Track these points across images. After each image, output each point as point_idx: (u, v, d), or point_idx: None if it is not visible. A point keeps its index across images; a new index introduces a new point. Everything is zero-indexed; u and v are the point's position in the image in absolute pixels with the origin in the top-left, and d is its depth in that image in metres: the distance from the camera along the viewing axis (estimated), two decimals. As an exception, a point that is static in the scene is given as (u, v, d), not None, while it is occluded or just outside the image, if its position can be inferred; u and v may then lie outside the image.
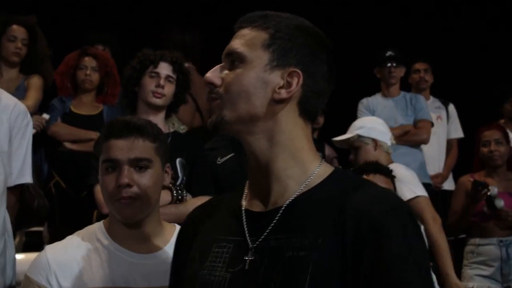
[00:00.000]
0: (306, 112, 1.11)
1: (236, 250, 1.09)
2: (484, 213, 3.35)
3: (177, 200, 2.32)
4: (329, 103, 1.21)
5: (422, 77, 4.47)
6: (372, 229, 0.99)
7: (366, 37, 5.38)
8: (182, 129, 3.39)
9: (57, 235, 2.45)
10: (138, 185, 1.53)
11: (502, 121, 4.35)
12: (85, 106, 3.55)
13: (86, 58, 3.53)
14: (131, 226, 1.56)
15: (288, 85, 1.08)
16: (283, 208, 1.07)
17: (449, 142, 4.48)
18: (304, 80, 1.09)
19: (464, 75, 5.16)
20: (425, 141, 3.91)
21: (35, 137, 2.68)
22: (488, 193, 3.28)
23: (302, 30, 1.11)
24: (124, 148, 1.53)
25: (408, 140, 3.80)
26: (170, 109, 2.60)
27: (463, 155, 4.23)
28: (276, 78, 1.09)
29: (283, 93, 1.08)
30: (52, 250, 1.56)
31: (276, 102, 1.09)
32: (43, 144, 3.47)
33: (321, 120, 4.39)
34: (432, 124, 4.02)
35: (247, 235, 1.09)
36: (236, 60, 1.10)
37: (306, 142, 1.12)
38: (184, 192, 2.35)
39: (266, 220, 1.08)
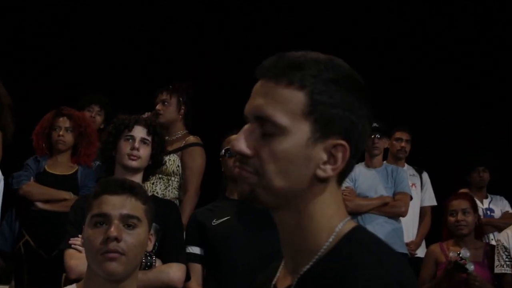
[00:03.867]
0: (344, 176, 1.04)
1: None
2: (453, 281, 3.52)
3: (146, 267, 2.37)
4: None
5: (403, 147, 4.65)
6: None
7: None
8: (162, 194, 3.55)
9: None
10: (125, 242, 1.59)
11: (466, 190, 4.58)
12: (60, 166, 3.63)
13: (61, 119, 3.62)
14: None
15: (333, 159, 1.00)
16: (295, 282, 1.03)
17: (423, 210, 4.66)
18: (350, 152, 1.00)
19: (438, 144, 5.40)
20: (403, 214, 4.07)
21: (5, 196, 2.79)
22: (460, 255, 3.46)
23: (340, 84, 1.00)
24: (116, 204, 1.62)
25: (386, 211, 3.95)
26: (148, 172, 2.70)
27: (437, 223, 4.41)
28: (320, 152, 0.99)
29: (329, 171, 1.00)
30: None
31: (318, 179, 1.00)
32: (15, 203, 3.53)
33: None
34: (411, 198, 4.18)
35: None
36: (272, 129, 0.98)
37: (336, 207, 1.05)
38: (154, 258, 2.41)
39: None
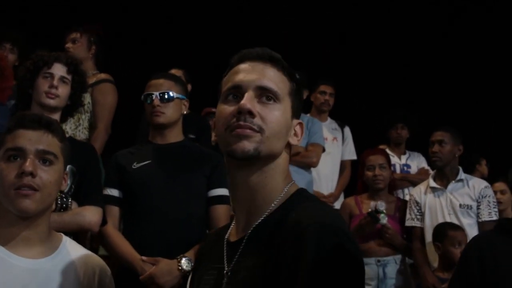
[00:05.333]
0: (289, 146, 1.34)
1: (218, 276, 1.29)
2: (365, 234, 3.73)
3: (61, 208, 2.35)
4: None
5: (327, 100, 4.77)
6: (295, 240, 1.14)
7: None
8: (79, 134, 3.50)
9: None
10: (40, 178, 1.56)
11: (384, 146, 4.79)
12: None
13: None
14: (21, 227, 1.57)
15: (295, 134, 1.33)
16: (248, 235, 1.27)
17: (343, 163, 4.83)
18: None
19: (360, 99, 5.57)
20: (314, 165, 4.15)
21: None
22: (376, 207, 3.66)
23: (299, 82, 1.35)
24: (32, 139, 1.59)
25: (298, 161, 4.02)
26: (66, 112, 2.66)
27: (355, 177, 4.59)
28: (293, 125, 1.32)
29: (295, 140, 1.33)
30: None
31: (286, 147, 1.31)
32: None
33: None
34: (324, 149, 4.28)
35: (225, 262, 1.29)
36: (272, 98, 1.27)
37: (287, 170, 1.33)
38: (70, 200, 2.40)
39: (237, 248, 1.28)
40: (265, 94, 1.27)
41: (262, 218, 1.27)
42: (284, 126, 1.29)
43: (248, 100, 1.25)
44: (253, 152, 1.24)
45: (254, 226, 1.27)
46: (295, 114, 1.33)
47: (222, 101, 1.31)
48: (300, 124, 1.34)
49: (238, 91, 1.28)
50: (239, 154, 1.24)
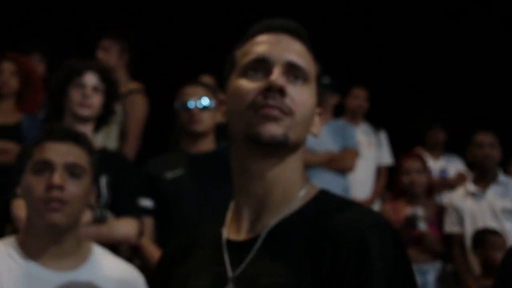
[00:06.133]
0: None
1: (216, 281, 1.09)
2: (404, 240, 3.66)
3: (99, 220, 2.35)
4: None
5: (361, 104, 4.74)
6: (351, 248, 1.00)
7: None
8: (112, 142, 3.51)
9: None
10: (69, 191, 1.54)
11: (420, 149, 4.70)
12: (3, 114, 3.53)
13: (5, 63, 3.52)
14: (50, 241, 1.56)
15: (315, 124, 1.15)
16: (264, 235, 1.08)
17: (378, 168, 4.76)
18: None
19: (395, 102, 5.50)
20: (350, 169, 4.11)
21: None
22: (414, 213, 3.58)
23: (320, 68, 1.18)
24: (60, 151, 1.57)
25: (333, 166, 3.99)
26: (100, 121, 2.64)
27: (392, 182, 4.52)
28: (316, 113, 1.16)
29: (315, 130, 1.15)
30: None
31: (308, 134, 1.14)
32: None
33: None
34: (358, 154, 4.23)
35: (227, 265, 1.09)
36: (300, 77, 1.11)
37: (303, 168, 1.16)
38: (108, 212, 2.39)
39: (247, 249, 1.09)
40: (293, 72, 1.10)
41: (284, 217, 1.09)
42: (312, 112, 1.13)
43: (279, 76, 1.08)
44: (282, 138, 1.07)
45: (274, 224, 1.09)
46: (319, 101, 1.16)
47: (240, 75, 1.12)
48: (320, 114, 1.17)
49: (262, 65, 1.10)
50: (266, 138, 1.06)
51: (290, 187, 1.12)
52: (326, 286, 1.00)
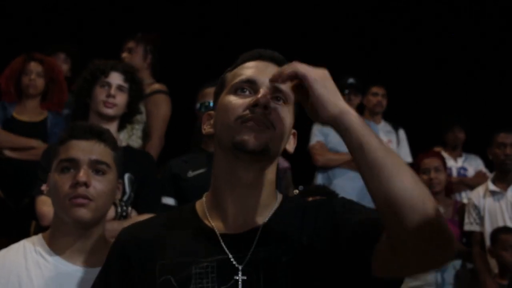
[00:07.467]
0: None
1: (222, 268, 1.22)
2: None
3: (121, 216, 2.36)
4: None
5: (379, 101, 4.75)
6: (330, 209, 1.27)
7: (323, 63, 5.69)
8: (137, 139, 3.58)
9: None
10: (94, 188, 1.58)
11: (439, 148, 4.72)
12: (29, 112, 3.61)
13: (32, 63, 3.60)
14: (76, 237, 1.59)
15: (290, 142, 1.34)
16: (262, 226, 1.27)
17: (398, 167, 4.79)
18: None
19: (414, 101, 5.51)
20: None
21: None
22: None
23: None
24: (85, 149, 1.60)
25: (352, 164, 3.96)
26: (124, 120, 2.69)
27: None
28: (291, 132, 1.34)
29: (291, 148, 1.35)
30: None
31: (283, 151, 1.33)
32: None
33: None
34: None
35: (229, 253, 1.24)
36: (282, 99, 1.28)
37: (275, 178, 1.35)
38: (129, 208, 2.40)
39: (247, 239, 1.25)
40: (276, 94, 1.28)
41: (272, 213, 1.30)
42: (289, 130, 1.31)
43: (265, 95, 1.25)
44: (264, 147, 1.24)
45: (267, 219, 1.29)
46: (294, 123, 1.35)
47: (230, 92, 1.30)
48: (294, 134, 1.36)
49: (250, 85, 1.29)
50: (251, 146, 1.23)
51: (272, 190, 1.33)
52: (329, 246, 1.22)
